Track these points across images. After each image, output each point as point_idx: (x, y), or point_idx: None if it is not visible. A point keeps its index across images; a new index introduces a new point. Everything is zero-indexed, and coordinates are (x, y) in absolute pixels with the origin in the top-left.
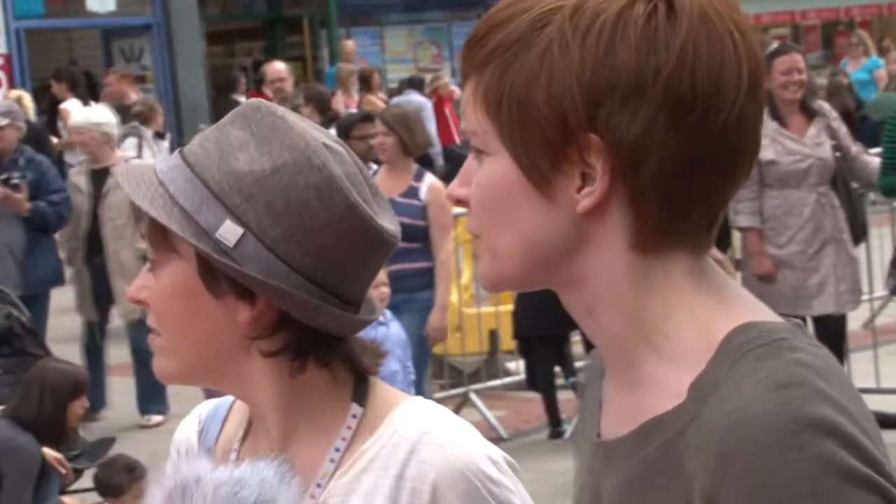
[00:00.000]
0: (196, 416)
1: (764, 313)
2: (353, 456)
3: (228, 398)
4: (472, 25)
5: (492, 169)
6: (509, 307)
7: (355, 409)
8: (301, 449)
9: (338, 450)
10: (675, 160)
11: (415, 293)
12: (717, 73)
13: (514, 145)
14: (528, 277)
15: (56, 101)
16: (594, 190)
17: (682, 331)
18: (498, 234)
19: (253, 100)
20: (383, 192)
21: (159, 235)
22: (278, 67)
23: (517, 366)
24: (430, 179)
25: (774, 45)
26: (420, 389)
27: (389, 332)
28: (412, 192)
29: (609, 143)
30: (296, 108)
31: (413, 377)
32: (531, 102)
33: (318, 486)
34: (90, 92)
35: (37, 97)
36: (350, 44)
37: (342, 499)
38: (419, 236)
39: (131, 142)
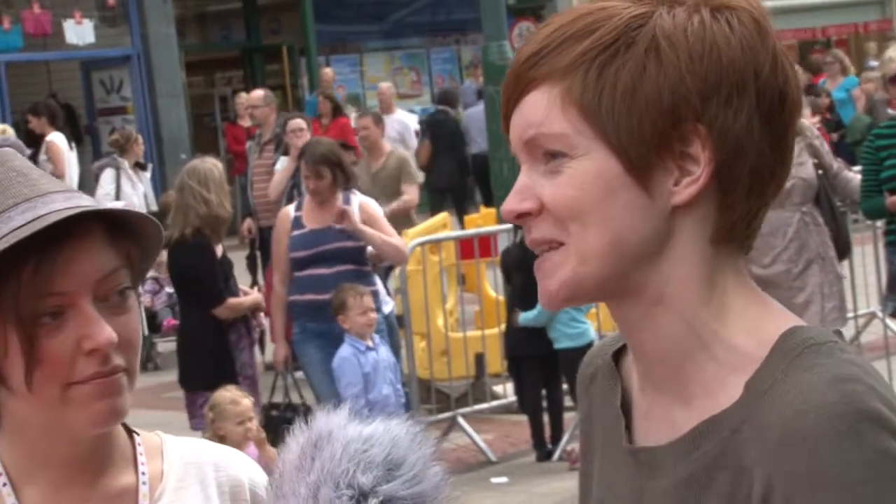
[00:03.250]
0: None
1: (798, 318)
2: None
3: None
4: (451, 51)
5: (585, 168)
6: (495, 331)
7: (136, 437)
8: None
9: (143, 473)
10: (765, 158)
11: None
12: (796, 82)
13: (619, 138)
14: (609, 280)
15: (35, 136)
16: (696, 179)
17: (734, 332)
18: (588, 235)
19: None
20: (316, 223)
21: None
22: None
23: (504, 389)
24: (358, 199)
25: None
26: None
27: (379, 356)
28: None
29: (715, 134)
30: (278, 137)
31: (403, 399)
32: (639, 94)
33: None
34: (69, 124)
35: (17, 131)
36: (329, 71)
37: None
38: (366, 259)
39: (109, 173)
